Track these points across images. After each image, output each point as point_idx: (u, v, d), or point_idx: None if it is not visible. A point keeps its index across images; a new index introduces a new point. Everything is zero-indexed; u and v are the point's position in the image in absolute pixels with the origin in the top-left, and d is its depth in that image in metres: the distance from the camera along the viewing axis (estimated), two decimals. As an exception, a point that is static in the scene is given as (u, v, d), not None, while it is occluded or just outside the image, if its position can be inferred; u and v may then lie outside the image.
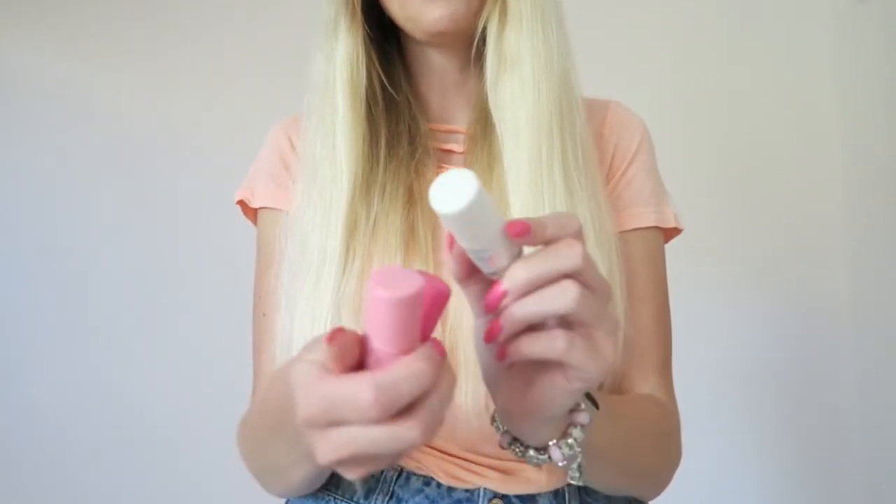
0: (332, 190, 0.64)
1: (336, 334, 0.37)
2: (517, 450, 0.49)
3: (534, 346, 0.40)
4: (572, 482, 0.49)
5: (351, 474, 0.39)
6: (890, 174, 1.42)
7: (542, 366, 0.42)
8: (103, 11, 1.56)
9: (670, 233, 0.75)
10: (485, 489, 0.62)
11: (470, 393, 0.62)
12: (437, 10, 0.64)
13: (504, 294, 0.39)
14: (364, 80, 0.68)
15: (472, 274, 0.41)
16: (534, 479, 0.62)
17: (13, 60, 1.53)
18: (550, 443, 0.47)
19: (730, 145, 1.58)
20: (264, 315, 0.70)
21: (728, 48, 1.59)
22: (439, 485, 0.62)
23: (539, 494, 0.62)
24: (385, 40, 0.73)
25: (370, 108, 0.68)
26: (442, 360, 0.37)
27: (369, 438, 0.36)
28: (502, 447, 0.50)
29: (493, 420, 0.50)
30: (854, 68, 1.52)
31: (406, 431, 0.35)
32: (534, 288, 0.39)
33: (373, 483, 0.63)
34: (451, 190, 0.35)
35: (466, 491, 0.62)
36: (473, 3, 0.65)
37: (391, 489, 0.62)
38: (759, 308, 1.55)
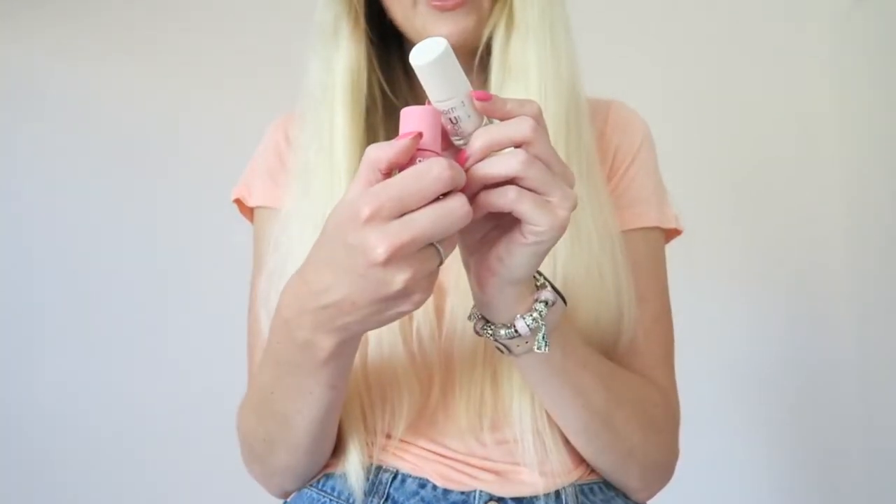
0: (329, 197, 0.63)
1: (415, 133, 0.44)
2: (489, 331, 0.53)
3: (489, 198, 0.45)
4: (537, 351, 0.52)
5: (401, 275, 0.43)
6: (889, 174, 1.42)
7: (505, 228, 0.48)
8: (102, 11, 1.56)
9: (670, 234, 0.75)
10: (480, 492, 0.62)
11: (465, 400, 0.62)
12: (444, 27, 0.63)
13: (466, 158, 0.45)
14: (364, 89, 0.67)
15: (448, 146, 0.47)
16: (529, 482, 0.62)
17: (11, 60, 1.53)
18: (517, 316, 0.51)
19: (728, 147, 1.58)
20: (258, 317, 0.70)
21: (727, 50, 1.59)
22: (435, 487, 0.62)
23: (536, 497, 0.62)
24: (384, 44, 0.72)
25: (369, 115, 0.67)
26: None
27: (427, 216, 0.42)
28: (477, 332, 0.54)
29: (470, 316, 0.55)
30: (852, 70, 1.52)
31: (456, 200, 0.43)
32: (489, 152, 0.45)
33: (367, 486, 0.63)
34: (427, 49, 0.43)
35: (462, 493, 0.62)
36: (482, 16, 0.65)
37: (387, 491, 0.62)
38: (759, 308, 1.55)
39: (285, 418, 0.59)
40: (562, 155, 0.62)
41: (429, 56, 0.43)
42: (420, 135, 0.44)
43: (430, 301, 0.62)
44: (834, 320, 1.53)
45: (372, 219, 0.42)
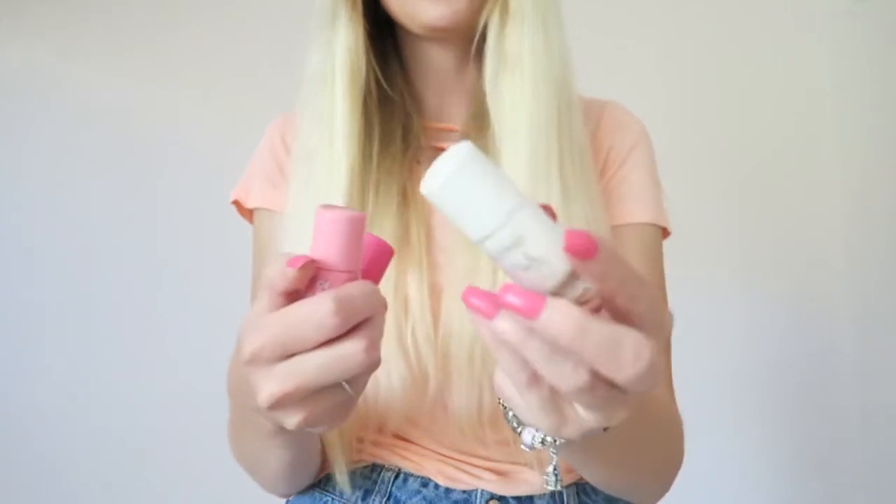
0: (329, 184, 0.63)
1: (305, 262, 0.38)
2: (515, 423, 0.49)
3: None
4: (548, 487, 0.48)
5: (292, 419, 0.39)
6: (889, 173, 1.42)
7: None
8: (100, 10, 1.56)
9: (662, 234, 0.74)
10: (482, 490, 0.62)
11: (464, 401, 0.61)
12: (437, 9, 0.63)
13: (534, 311, 0.31)
14: (363, 71, 0.66)
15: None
16: (531, 481, 0.62)
17: (11, 60, 1.53)
18: (526, 427, 0.46)
19: (728, 146, 1.57)
20: None
21: (726, 48, 1.59)
22: (437, 486, 0.62)
23: (536, 496, 0.62)
24: (380, 36, 0.71)
25: (366, 102, 0.67)
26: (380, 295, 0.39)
27: (316, 363, 0.37)
28: (506, 417, 0.50)
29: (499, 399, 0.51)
30: (852, 67, 1.52)
31: (352, 345, 0.37)
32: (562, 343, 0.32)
33: (370, 485, 0.63)
34: (443, 165, 0.31)
35: (464, 492, 0.62)
36: (475, 0, 0.64)
37: (389, 490, 0.62)
38: (759, 308, 1.55)
39: (257, 459, 0.59)
40: (552, 150, 0.62)
41: (446, 170, 0.30)
42: (311, 262, 0.38)
43: (426, 303, 0.61)
44: (833, 318, 1.53)
45: (252, 361, 0.38)
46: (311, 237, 0.39)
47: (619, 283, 0.32)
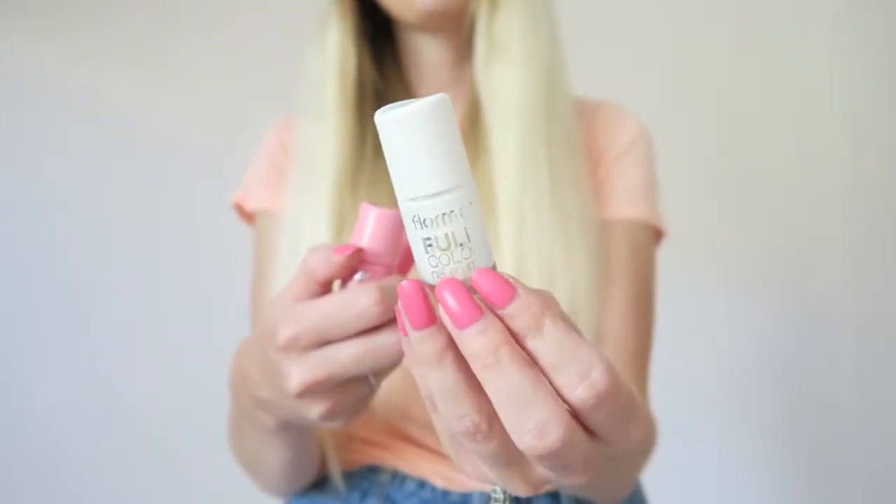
0: (320, 181, 0.63)
1: (353, 250, 0.38)
2: None
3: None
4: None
5: (317, 408, 0.39)
6: (892, 173, 1.41)
7: None
8: (105, 9, 1.56)
9: (657, 235, 0.73)
10: (479, 493, 0.61)
11: None
12: None
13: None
14: (354, 70, 0.66)
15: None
16: (528, 482, 0.62)
17: (13, 59, 1.54)
18: None
19: (730, 144, 1.57)
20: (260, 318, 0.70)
21: (729, 45, 1.58)
22: (434, 488, 0.62)
23: (534, 497, 0.62)
24: (377, 35, 0.71)
25: (362, 102, 0.67)
26: None
27: (352, 352, 0.37)
28: None
29: None
30: (856, 67, 1.51)
31: (390, 337, 0.37)
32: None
33: (367, 486, 0.63)
34: (415, 102, 0.27)
35: (461, 494, 0.62)
36: None
37: (386, 492, 0.62)
38: (759, 308, 1.55)
39: (256, 458, 0.59)
40: (541, 135, 0.61)
41: (406, 109, 0.26)
42: (359, 251, 0.39)
43: None
44: (834, 318, 1.53)
45: (288, 347, 0.38)
46: (354, 230, 0.40)
47: (541, 349, 0.27)
